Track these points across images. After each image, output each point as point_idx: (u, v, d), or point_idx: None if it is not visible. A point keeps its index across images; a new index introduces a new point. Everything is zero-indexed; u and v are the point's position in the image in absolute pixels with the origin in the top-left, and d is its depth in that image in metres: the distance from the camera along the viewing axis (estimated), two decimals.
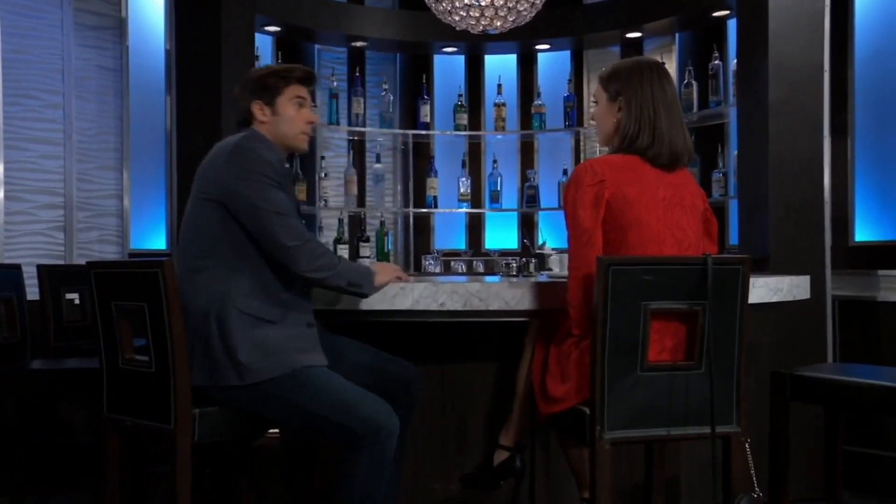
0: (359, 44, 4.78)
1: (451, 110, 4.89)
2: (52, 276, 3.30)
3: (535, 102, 4.84)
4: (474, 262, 4.73)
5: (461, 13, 3.55)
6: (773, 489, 2.39)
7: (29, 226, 3.67)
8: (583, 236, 2.04)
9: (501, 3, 3.47)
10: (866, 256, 3.52)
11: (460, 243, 5.02)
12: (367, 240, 4.49)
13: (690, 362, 1.98)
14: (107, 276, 2.15)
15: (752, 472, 2.01)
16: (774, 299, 2.48)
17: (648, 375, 1.95)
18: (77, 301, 3.39)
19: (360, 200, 4.80)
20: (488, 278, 3.27)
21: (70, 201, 3.78)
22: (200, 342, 2.05)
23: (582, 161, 4.86)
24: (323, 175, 4.63)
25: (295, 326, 2.11)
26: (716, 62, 4.20)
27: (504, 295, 2.24)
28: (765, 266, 3.26)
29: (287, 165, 2.31)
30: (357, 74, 4.76)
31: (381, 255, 4.56)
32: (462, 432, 2.63)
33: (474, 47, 4.88)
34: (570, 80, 4.83)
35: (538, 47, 4.88)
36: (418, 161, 4.97)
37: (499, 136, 4.94)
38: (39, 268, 3.30)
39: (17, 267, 3.10)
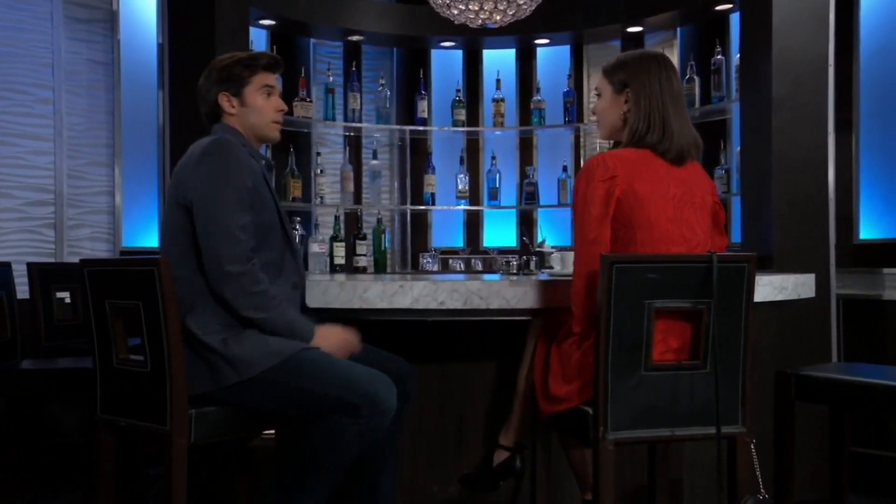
0: (355, 38, 4.77)
1: (448, 106, 4.88)
2: (42, 274, 3.30)
3: (535, 98, 4.84)
4: (473, 261, 4.73)
5: (460, 7, 3.55)
6: (778, 491, 2.40)
7: (19, 223, 3.65)
8: (590, 233, 2.04)
9: None
10: (871, 254, 3.53)
11: (458, 241, 5.02)
12: (364, 238, 4.48)
13: (695, 362, 1.98)
14: (101, 275, 2.14)
15: (758, 473, 2.01)
16: (779, 298, 2.48)
17: (652, 375, 1.95)
18: (68, 300, 3.38)
19: (357, 197, 4.79)
20: (488, 276, 3.26)
21: (60, 198, 3.77)
22: (193, 351, 2.04)
23: (582, 157, 4.89)
24: (319, 171, 4.62)
25: (283, 315, 2.10)
26: (718, 57, 4.20)
27: (505, 293, 2.23)
28: (768, 264, 3.27)
29: (263, 161, 2.29)
30: (353, 69, 4.75)
31: (379, 253, 4.56)
32: (461, 433, 2.63)
33: (472, 42, 4.88)
34: (569, 76, 4.83)
35: (537, 42, 4.88)
36: (415, 157, 4.96)
37: (497, 133, 4.94)
38: (30, 266, 3.29)
39: (7, 265, 3.09)
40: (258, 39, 4.51)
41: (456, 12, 3.60)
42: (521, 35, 4.70)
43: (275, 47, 4.57)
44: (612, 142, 2.31)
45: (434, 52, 4.99)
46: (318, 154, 4.69)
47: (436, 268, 4.64)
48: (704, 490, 2.72)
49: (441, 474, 2.63)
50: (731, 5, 4.12)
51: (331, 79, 4.67)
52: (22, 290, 3.19)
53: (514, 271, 3.18)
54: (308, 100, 4.53)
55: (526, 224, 4.96)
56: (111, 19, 4.00)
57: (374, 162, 4.83)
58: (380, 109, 4.80)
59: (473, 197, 4.93)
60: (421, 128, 4.84)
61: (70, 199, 3.81)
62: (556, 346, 2.16)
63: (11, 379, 2.82)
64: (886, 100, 3.54)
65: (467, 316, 2.25)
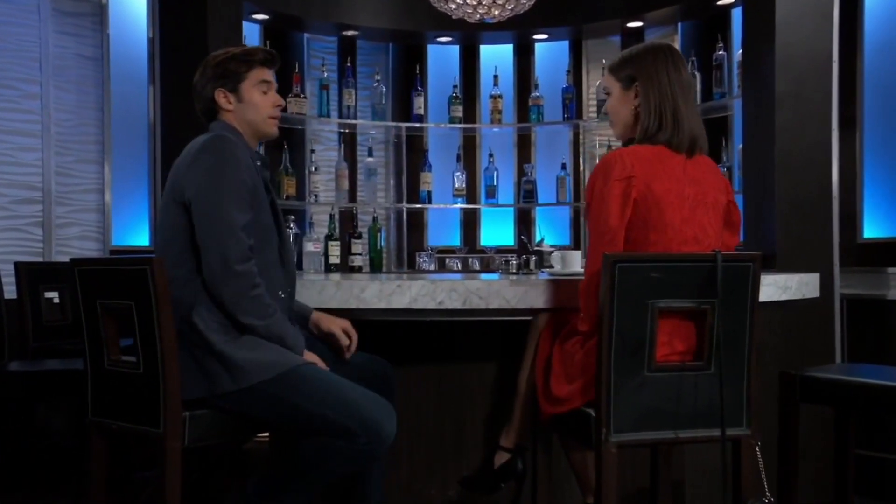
0: (350, 33, 4.76)
1: (445, 102, 4.88)
2: (30, 273, 3.28)
3: (533, 94, 4.84)
4: (470, 260, 4.73)
5: (457, 1, 3.55)
6: (782, 494, 2.40)
7: (6, 221, 3.64)
8: (606, 235, 2.03)
9: None
10: (875, 253, 3.54)
11: (455, 240, 5.02)
12: (360, 236, 4.48)
13: (699, 362, 1.98)
14: (92, 274, 2.13)
15: (763, 476, 2.01)
16: (783, 297, 2.49)
17: (656, 376, 1.95)
18: (57, 300, 3.37)
19: (352, 195, 4.79)
20: (488, 276, 3.26)
21: (49, 196, 3.75)
22: (188, 354, 2.03)
23: (582, 155, 4.89)
24: (313, 169, 4.61)
25: (278, 325, 2.09)
26: (720, 53, 4.21)
27: (505, 293, 2.23)
28: (770, 263, 3.27)
29: (259, 153, 2.28)
30: (348, 65, 4.74)
31: (374, 253, 4.55)
32: (459, 435, 2.63)
33: (469, 37, 4.88)
34: (568, 72, 4.83)
35: (536, 37, 4.88)
36: (412, 155, 4.96)
37: (495, 129, 4.94)
38: (17, 265, 3.27)
39: None
40: (251, 34, 4.50)
41: (453, 6, 3.60)
42: (519, 30, 4.70)
43: (268, 42, 4.56)
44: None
45: (430, 48, 4.99)
46: (313, 151, 4.68)
47: (432, 267, 4.64)
48: (707, 493, 2.73)
49: (439, 477, 2.63)
50: (732, 0, 4.12)
51: (325, 74, 4.67)
52: (9, 290, 3.18)
53: (514, 271, 3.18)
54: (302, 96, 4.53)
55: (524, 223, 4.96)
56: (100, 13, 3.98)
57: (370, 159, 4.83)
58: (375, 106, 4.79)
59: (470, 195, 4.93)
60: (417, 125, 4.83)
61: (58, 197, 3.80)
62: (557, 346, 2.16)
63: None
64: (891, 97, 3.55)
65: (466, 316, 2.25)
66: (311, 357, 2.12)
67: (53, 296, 3.36)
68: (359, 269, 4.43)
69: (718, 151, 4.27)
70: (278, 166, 4.47)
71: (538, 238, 4.68)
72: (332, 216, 4.49)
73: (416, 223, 4.99)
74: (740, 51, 3.82)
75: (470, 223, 5.01)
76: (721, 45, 4.22)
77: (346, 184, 4.71)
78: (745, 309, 1.99)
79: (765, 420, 2.37)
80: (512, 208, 4.98)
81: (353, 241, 4.46)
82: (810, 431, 2.74)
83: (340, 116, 4.71)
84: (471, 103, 4.96)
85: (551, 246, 3.97)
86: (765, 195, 3.39)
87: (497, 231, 5.03)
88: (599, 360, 1.93)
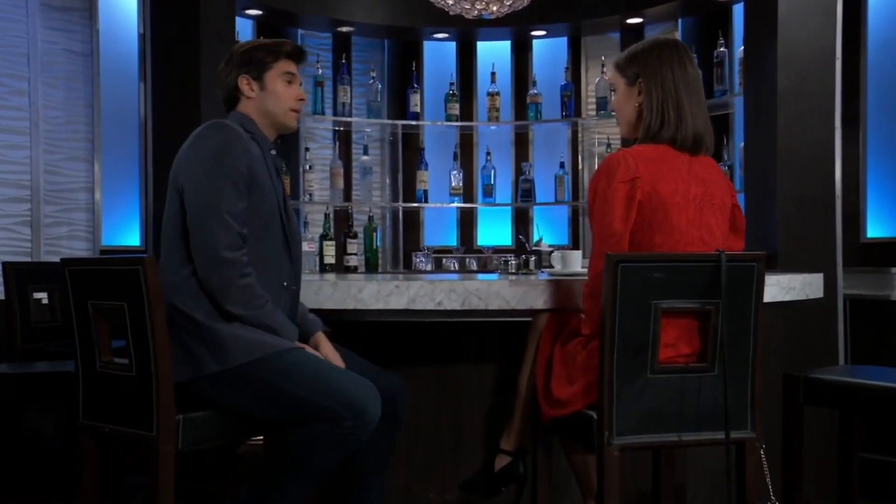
0: (345, 29, 4.75)
1: (442, 99, 4.87)
2: (19, 274, 3.27)
3: (531, 92, 4.84)
4: (467, 260, 4.73)
5: None
6: (786, 497, 2.40)
7: None
8: (610, 238, 2.02)
9: None
10: (878, 253, 3.55)
11: (451, 240, 5.01)
12: (355, 236, 4.47)
13: (703, 364, 1.98)
14: (83, 274, 2.12)
15: (768, 479, 2.01)
16: (787, 298, 2.49)
17: (659, 378, 1.95)
18: (45, 301, 3.36)
19: (347, 194, 4.78)
20: (487, 276, 3.26)
21: (37, 195, 3.73)
22: (174, 337, 2.04)
23: (580, 153, 4.89)
24: (307, 168, 4.60)
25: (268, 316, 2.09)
26: (721, 49, 4.21)
27: (504, 293, 2.23)
28: (773, 264, 3.27)
29: (273, 152, 2.29)
30: (343, 61, 4.73)
31: (370, 252, 4.54)
32: (458, 438, 2.63)
33: (466, 33, 4.87)
34: (567, 69, 4.83)
35: (534, 33, 4.88)
36: (408, 153, 4.95)
37: (492, 127, 4.93)
38: (5, 265, 3.26)
39: None
40: (244, 29, 4.49)
41: (451, 2, 3.59)
42: (516, 26, 4.70)
43: (261, 38, 4.55)
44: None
45: (427, 44, 4.98)
46: (307, 149, 4.67)
47: (429, 267, 4.63)
48: (709, 496, 2.73)
49: (439, 481, 2.62)
50: None
51: (320, 71, 4.65)
52: None
53: (513, 271, 3.17)
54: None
55: (522, 222, 4.96)
56: (89, 7, 3.97)
57: (365, 158, 4.82)
58: (370, 103, 4.79)
59: (467, 194, 4.93)
60: (413, 122, 4.83)
61: (47, 196, 3.78)
62: (559, 347, 2.15)
63: None
64: (895, 95, 3.55)
65: (466, 317, 2.25)
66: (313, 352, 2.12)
67: (42, 296, 3.35)
68: (354, 270, 4.42)
69: (719, 150, 4.28)
70: None
71: (536, 238, 4.67)
72: (326, 215, 4.48)
73: (413, 222, 4.98)
74: (741, 47, 3.82)
75: (467, 223, 5.00)
76: (722, 41, 4.23)
77: (341, 182, 4.70)
78: (749, 309, 1.99)
79: (767, 422, 2.37)
80: (509, 207, 4.98)
81: (348, 240, 4.45)
82: (814, 434, 2.74)
83: (335, 114, 4.70)
84: (468, 101, 4.96)
85: (550, 246, 3.97)
86: (766, 194, 3.40)
87: (494, 231, 5.03)
88: (601, 361, 1.92)
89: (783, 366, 2.71)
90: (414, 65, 4.88)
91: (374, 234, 4.58)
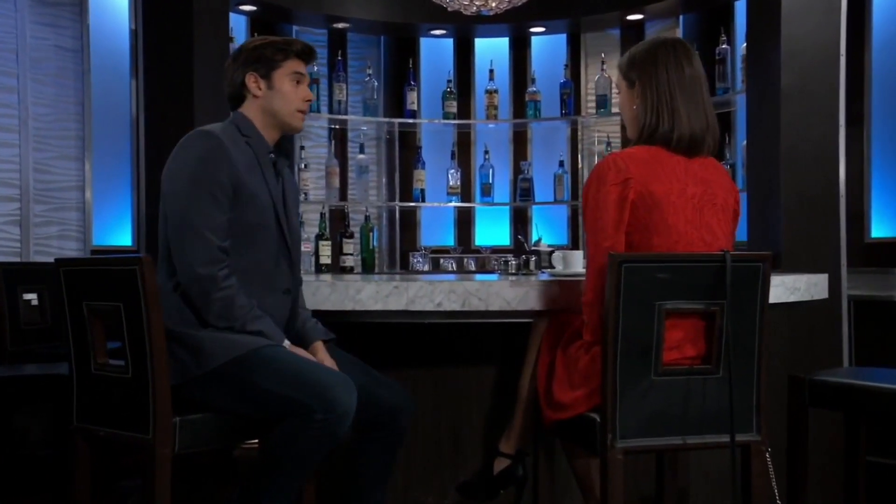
0: (340, 25, 4.76)
1: (439, 97, 4.88)
2: (8, 274, 3.25)
3: (530, 89, 4.84)
4: (465, 260, 4.73)
5: None
6: (791, 501, 2.41)
7: None
8: (604, 242, 2.02)
9: None
10: (883, 253, 3.56)
11: (449, 240, 5.02)
12: (351, 236, 4.47)
13: (708, 366, 1.98)
14: (78, 275, 2.12)
15: (774, 483, 2.02)
16: (791, 299, 2.50)
17: (663, 380, 1.95)
18: (35, 302, 3.34)
19: (343, 194, 4.78)
20: (486, 276, 3.26)
21: (27, 194, 3.73)
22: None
23: (580, 152, 4.90)
24: (303, 166, 4.60)
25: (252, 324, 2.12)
26: (723, 46, 4.23)
27: (505, 294, 2.23)
28: (776, 264, 3.28)
29: (271, 154, 2.29)
30: (339, 58, 4.73)
31: (366, 253, 4.55)
32: (457, 441, 2.63)
33: (464, 30, 4.88)
34: (566, 66, 4.84)
35: (532, 30, 4.89)
36: (404, 152, 4.96)
37: (490, 125, 4.94)
38: None
39: None
40: (238, 26, 4.49)
41: None
42: (515, 23, 4.71)
43: (255, 34, 4.55)
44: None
45: (424, 41, 4.99)
46: (302, 148, 4.67)
47: (426, 267, 4.64)
48: (713, 500, 2.74)
49: (437, 485, 2.63)
50: None
51: (315, 68, 4.65)
52: None
53: (513, 271, 3.18)
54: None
55: (520, 222, 4.97)
56: (80, 3, 3.95)
57: (361, 156, 4.82)
58: (367, 101, 4.79)
59: (465, 193, 4.93)
60: (410, 120, 4.83)
61: (37, 195, 3.77)
62: (561, 350, 2.15)
63: None
64: None
65: (466, 318, 2.25)
66: (297, 350, 2.13)
67: (32, 297, 3.33)
68: (350, 270, 4.42)
69: (721, 148, 4.29)
70: None
71: (535, 237, 4.68)
72: (322, 215, 4.48)
73: (409, 222, 4.99)
74: (744, 44, 3.83)
75: (464, 222, 5.01)
76: (724, 38, 4.24)
77: (336, 181, 4.71)
78: (754, 310, 1.99)
79: (772, 424, 2.38)
80: (508, 207, 4.98)
81: (344, 240, 4.45)
82: (820, 436, 2.75)
83: (331, 112, 4.70)
84: (465, 98, 4.96)
85: (549, 246, 3.98)
86: (770, 193, 3.41)
87: (492, 230, 5.04)
88: (605, 363, 1.93)
89: (786, 367, 2.71)
90: (411, 62, 4.88)
91: (371, 233, 4.59)
